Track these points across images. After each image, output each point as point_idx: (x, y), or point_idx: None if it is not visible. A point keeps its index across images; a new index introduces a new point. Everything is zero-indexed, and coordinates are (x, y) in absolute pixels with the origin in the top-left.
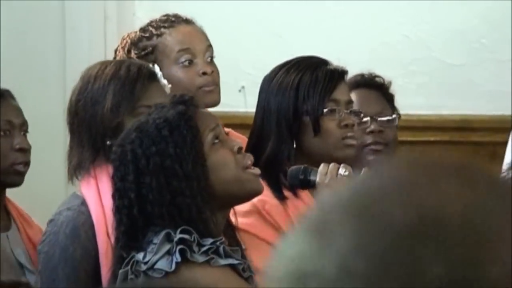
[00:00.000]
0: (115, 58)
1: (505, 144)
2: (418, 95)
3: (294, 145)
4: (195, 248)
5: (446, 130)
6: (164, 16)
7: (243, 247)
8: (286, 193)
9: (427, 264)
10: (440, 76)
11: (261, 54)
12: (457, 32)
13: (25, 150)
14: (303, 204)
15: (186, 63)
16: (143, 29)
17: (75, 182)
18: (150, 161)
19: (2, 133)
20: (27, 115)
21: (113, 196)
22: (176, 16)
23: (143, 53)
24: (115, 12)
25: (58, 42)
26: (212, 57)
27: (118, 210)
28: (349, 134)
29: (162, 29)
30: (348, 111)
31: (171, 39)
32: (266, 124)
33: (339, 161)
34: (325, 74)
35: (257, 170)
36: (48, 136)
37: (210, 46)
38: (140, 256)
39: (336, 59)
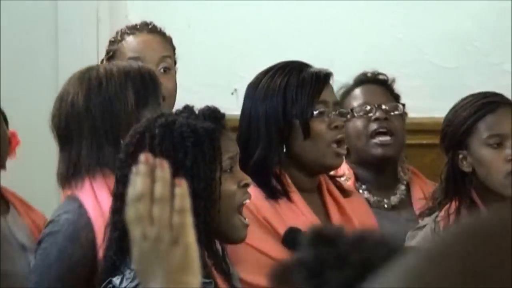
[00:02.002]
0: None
1: None
2: (410, 98)
3: (284, 150)
4: None
5: (438, 133)
6: (137, 23)
7: (231, 270)
8: (279, 195)
9: None
10: (433, 79)
11: (254, 57)
12: (450, 35)
13: None
14: (296, 207)
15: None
16: (116, 32)
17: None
18: None
19: None
20: (19, 117)
21: (116, 179)
22: (144, 24)
23: (106, 56)
24: (107, 14)
25: (50, 44)
26: (166, 69)
27: (114, 212)
28: (339, 136)
29: (125, 35)
30: (336, 112)
31: (126, 45)
32: (254, 130)
33: (328, 169)
34: (311, 76)
35: (247, 221)
36: (41, 138)
37: (166, 57)
38: (117, 281)
39: (329, 62)
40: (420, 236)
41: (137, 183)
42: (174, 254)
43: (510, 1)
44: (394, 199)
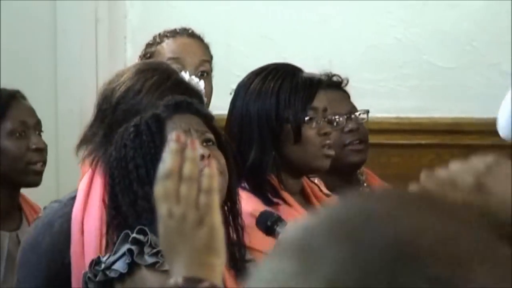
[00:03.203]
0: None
1: (496, 147)
2: (409, 98)
3: (275, 152)
4: (146, 250)
5: (437, 133)
6: (176, 28)
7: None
8: (275, 200)
9: (410, 284)
10: (431, 79)
11: (252, 57)
12: (448, 35)
13: (41, 150)
14: (296, 211)
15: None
16: (153, 37)
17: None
18: (118, 164)
19: (17, 134)
20: None
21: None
22: (184, 29)
23: (144, 58)
24: (106, 15)
25: (49, 44)
26: (205, 72)
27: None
28: (327, 142)
29: (164, 38)
30: (325, 119)
31: (166, 47)
32: (246, 131)
33: (315, 171)
34: (304, 82)
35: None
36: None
37: (205, 61)
38: (103, 258)
39: (327, 62)
40: None
41: (167, 160)
42: (199, 234)
43: (509, 2)
44: None
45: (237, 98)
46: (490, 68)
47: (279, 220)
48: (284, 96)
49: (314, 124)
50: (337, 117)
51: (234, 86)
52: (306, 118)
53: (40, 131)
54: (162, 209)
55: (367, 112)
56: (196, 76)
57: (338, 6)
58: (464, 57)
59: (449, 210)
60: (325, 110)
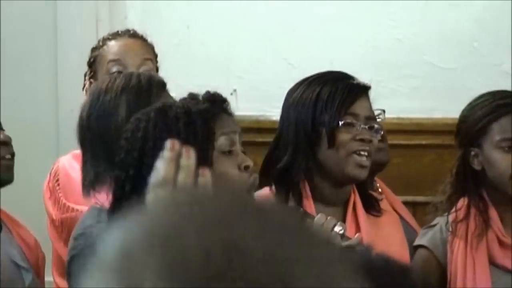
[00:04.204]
0: None
1: None
2: (410, 99)
3: (311, 157)
4: None
5: (438, 133)
6: (118, 30)
7: None
8: (291, 204)
9: None
10: (432, 80)
11: (252, 57)
12: (449, 35)
13: (7, 143)
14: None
15: (115, 74)
16: (98, 40)
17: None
18: (157, 145)
19: None
20: (18, 118)
21: (116, 165)
22: (127, 31)
23: (88, 63)
24: (107, 15)
25: (49, 44)
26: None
27: (115, 180)
28: (361, 147)
29: (106, 41)
30: (367, 126)
31: (107, 49)
32: (284, 135)
33: (349, 179)
34: (344, 87)
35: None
36: (40, 138)
37: (147, 59)
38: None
39: (328, 63)
40: (430, 234)
41: (160, 168)
42: None
43: (510, 2)
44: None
45: (283, 105)
46: (491, 69)
47: (305, 214)
48: (322, 101)
49: (352, 130)
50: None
51: (235, 87)
52: (341, 123)
53: (0, 128)
54: None
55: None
56: None
57: (339, 6)
58: (465, 58)
59: (270, 216)
60: (369, 118)
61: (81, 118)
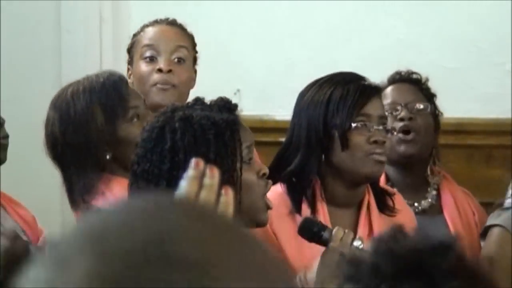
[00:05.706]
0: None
1: (500, 147)
2: None
3: (323, 159)
4: None
5: (441, 133)
6: (158, 18)
7: None
8: (304, 206)
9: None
10: (435, 80)
11: (256, 58)
12: (452, 35)
13: (1, 125)
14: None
15: (148, 59)
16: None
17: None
18: (188, 158)
19: None
20: (22, 117)
21: (134, 174)
22: (165, 19)
23: (127, 49)
24: (110, 14)
25: (53, 44)
26: (182, 59)
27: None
28: (377, 150)
29: (144, 27)
30: (380, 127)
31: (144, 35)
32: (296, 137)
33: (366, 177)
34: (356, 89)
35: (270, 203)
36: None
37: (182, 47)
38: None
39: (331, 62)
40: (506, 215)
41: (183, 186)
42: None
43: None
44: (425, 204)
45: (295, 107)
46: (494, 68)
47: (323, 226)
48: (334, 103)
49: (364, 131)
50: (394, 105)
51: (239, 87)
52: (354, 125)
53: None
54: None
55: (434, 105)
56: (171, 62)
57: (341, 6)
58: (468, 58)
59: (202, 215)
60: (381, 117)
61: (52, 135)
